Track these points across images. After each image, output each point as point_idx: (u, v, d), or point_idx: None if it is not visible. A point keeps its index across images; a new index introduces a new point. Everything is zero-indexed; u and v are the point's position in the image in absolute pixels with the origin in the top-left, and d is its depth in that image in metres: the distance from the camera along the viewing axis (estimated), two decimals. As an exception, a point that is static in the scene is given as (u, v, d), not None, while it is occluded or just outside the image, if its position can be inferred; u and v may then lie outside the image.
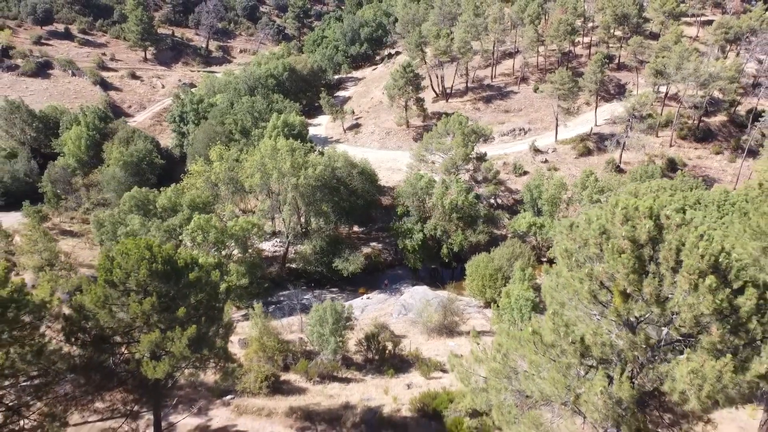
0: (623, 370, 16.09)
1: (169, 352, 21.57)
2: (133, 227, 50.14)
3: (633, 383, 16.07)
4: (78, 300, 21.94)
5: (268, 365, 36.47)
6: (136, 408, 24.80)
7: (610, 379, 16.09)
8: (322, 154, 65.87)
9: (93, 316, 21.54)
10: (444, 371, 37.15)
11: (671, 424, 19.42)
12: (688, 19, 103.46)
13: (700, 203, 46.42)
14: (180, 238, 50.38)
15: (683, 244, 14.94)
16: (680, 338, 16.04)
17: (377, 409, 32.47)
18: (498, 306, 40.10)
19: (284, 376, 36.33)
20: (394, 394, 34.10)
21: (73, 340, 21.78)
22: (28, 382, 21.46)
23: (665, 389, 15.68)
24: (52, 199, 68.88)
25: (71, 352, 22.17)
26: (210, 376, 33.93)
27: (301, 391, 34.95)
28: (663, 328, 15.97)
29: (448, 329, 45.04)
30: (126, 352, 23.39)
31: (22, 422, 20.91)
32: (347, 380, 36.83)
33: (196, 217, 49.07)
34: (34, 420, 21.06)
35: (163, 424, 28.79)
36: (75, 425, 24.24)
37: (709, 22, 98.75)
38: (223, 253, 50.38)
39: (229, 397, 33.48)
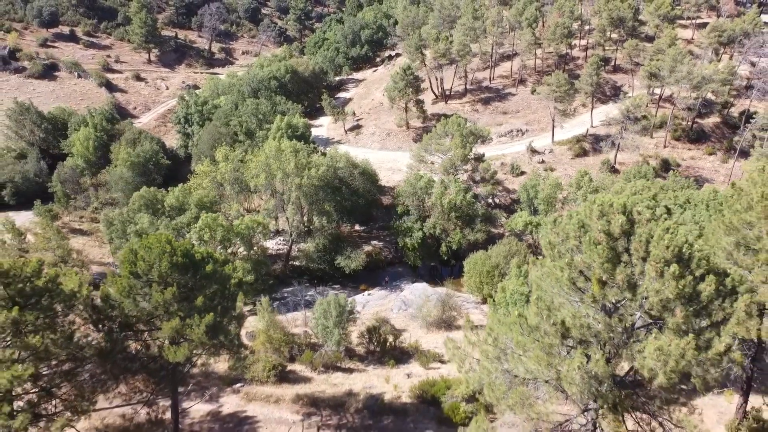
0: (600, 349, 17.97)
1: (188, 338, 23.47)
2: (142, 226, 51.99)
3: (609, 361, 17.94)
4: (104, 290, 23.87)
5: (275, 356, 38.36)
6: (155, 392, 26.69)
7: (589, 358, 17.95)
8: (324, 154, 67.67)
9: (118, 305, 23.46)
10: (442, 362, 39.07)
11: (651, 411, 21.24)
12: (683, 22, 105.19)
13: (689, 202, 48.20)
14: (188, 236, 52.22)
15: (652, 237, 16.82)
16: (651, 321, 17.93)
17: (379, 396, 34.38)
18: (494, 301, 41.81)
19: (290, 367, 38.22)
20: (395, 382, 36.02)
21: (100, 327, 23.69)
22: (58, 367, 23.38)
23: (637, 366, 17.56)
24: (62, 198, 70.81)
25: (97, 338, 24.08)
26: (221, 366, 35.94)
27: (306, 380, 36.86)
28: (635, 311, 17.84)
29: (447, 323, 46.92)
30: (148, 338, 25.31)
31: (54, 402, 22.81)
32: (350, 370, 38.74)
33: (204, 216, 50.92)
34: (65, 400, 22.95)
35: (178, 409, 30.64)
36: (97, 410, 26.12)
37: (704, 25, 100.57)
38: (229, 250, 52.23)
39: (238, 385, 35.36)
